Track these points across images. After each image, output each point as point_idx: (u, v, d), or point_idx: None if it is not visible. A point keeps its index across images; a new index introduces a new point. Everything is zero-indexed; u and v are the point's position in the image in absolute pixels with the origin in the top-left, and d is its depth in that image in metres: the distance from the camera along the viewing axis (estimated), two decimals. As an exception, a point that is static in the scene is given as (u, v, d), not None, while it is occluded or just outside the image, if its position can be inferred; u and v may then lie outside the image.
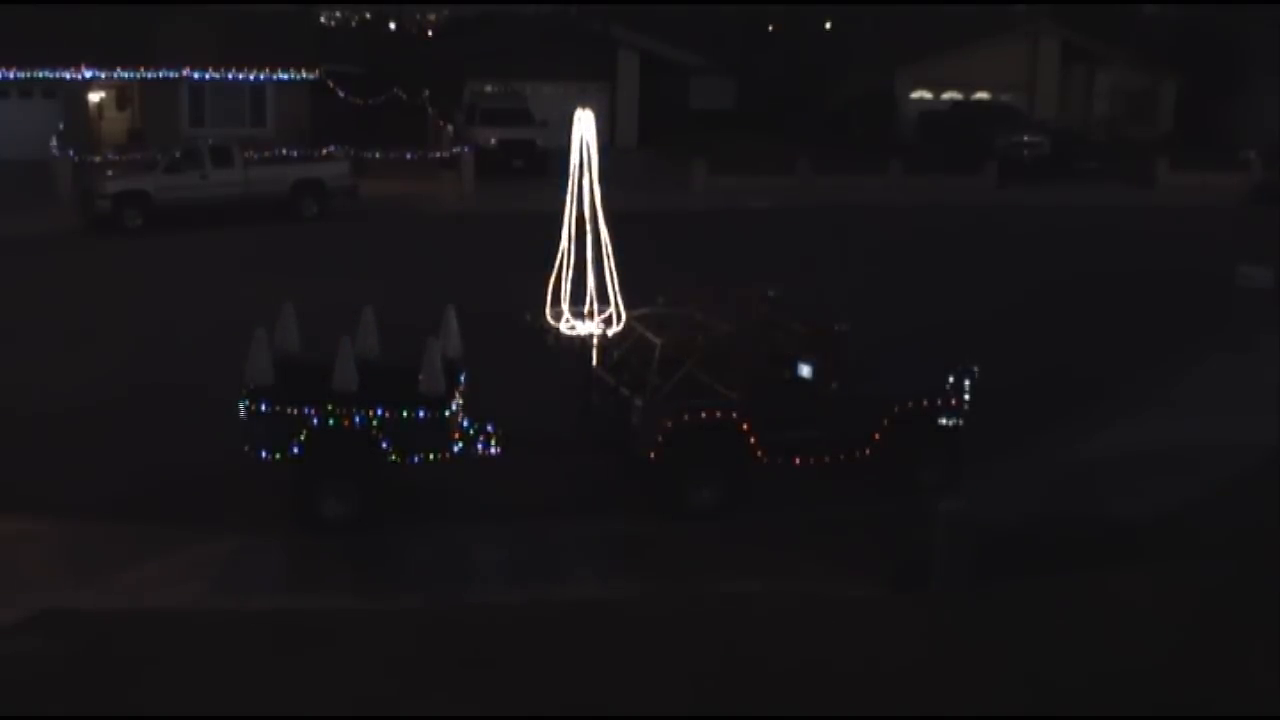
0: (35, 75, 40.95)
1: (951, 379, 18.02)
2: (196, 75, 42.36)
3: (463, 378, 17.37)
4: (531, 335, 17.82)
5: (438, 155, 42.64)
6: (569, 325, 17.39)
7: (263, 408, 16.11)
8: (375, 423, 16.24)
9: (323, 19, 61.81)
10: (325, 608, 14.54)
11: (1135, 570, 15.22)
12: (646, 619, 14.03)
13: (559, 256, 17.29)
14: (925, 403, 17.85)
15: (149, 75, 42.09)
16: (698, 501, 17.10)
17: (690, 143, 44.85)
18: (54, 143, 38.37)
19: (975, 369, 18.10)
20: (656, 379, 16.96)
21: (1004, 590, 14.59)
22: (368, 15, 73.28)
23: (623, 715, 11.86)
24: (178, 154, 34.83)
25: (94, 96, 43.56)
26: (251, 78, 43.02)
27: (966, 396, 18.06)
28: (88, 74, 41.21)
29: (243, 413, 16.20)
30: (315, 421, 16.16)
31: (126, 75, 42.38)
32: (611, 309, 17.33)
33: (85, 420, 19.69)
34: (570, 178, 17.07)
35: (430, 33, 68.70)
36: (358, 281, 25.35)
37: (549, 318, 17.46)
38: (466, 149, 41.30)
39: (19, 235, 31.77)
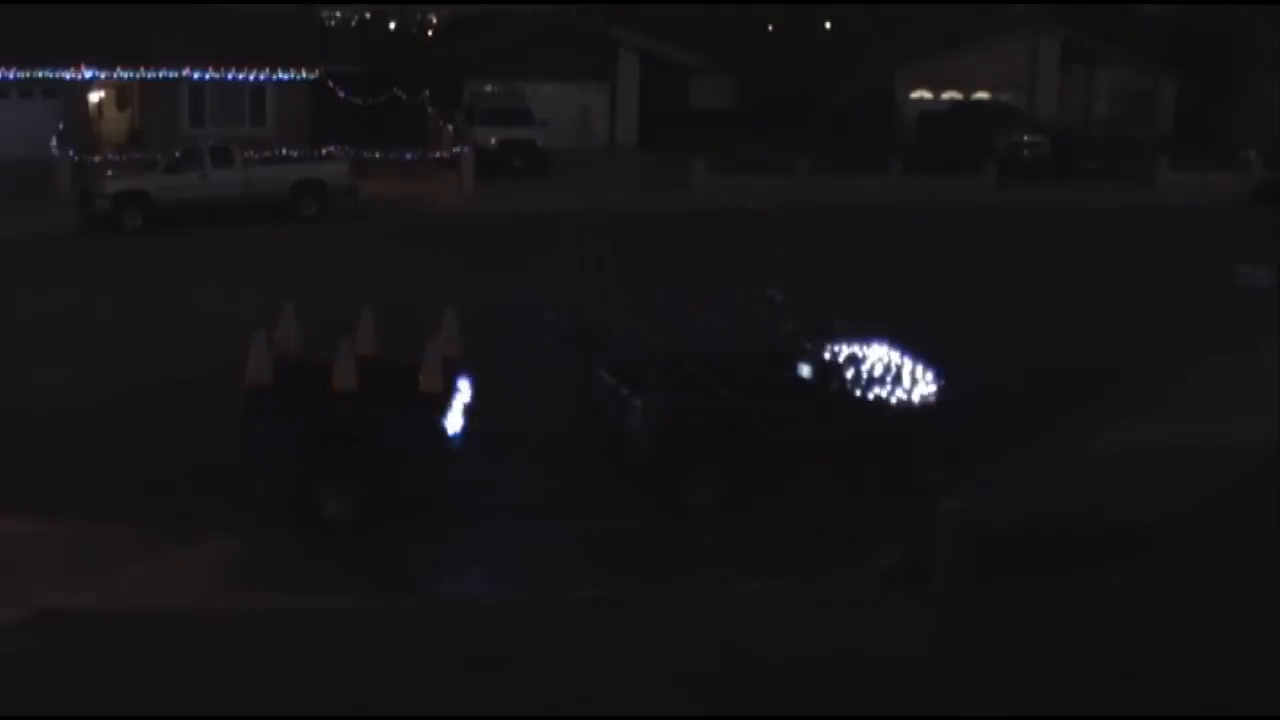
0: (35, 75, 40.91)
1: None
2: (196, 75, 42.33)
3: (463, 378, 17.36)
4: (532, 334, 17.83)
5: (438, 155, 42.64)
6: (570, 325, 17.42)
7: (263, 408, 16.11)
8: (375, 423, 16.22)
9: (323, 19, 61.73)
10: (325, 608, 14.54)
11: (1135, 570, 15.22)
12: (646, 619, 14.03)
13: (568, 255, 17.32)
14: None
15: (149, 75, 42.06)
16: (698, 501, 17.07)
17: (690, 143, 44.84)
18: (54, 143, 38.41)
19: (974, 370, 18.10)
20: (656, 379, 16.96)
21: (1004, 590, 14.58)
22: (368, 15, 73.21)
23: (623, 715, 11.86)
24: (178, 154, 34.83)
25: (94, 96, 43.56)
26: (251, 78, 43.00)
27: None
28: (88, 74, 41.19)
29: (243, 413, 16.19)
30: (315, 421, 16.15)
31: (126, 75, 42.36)
32: (611, 309, 17.33)
33: (85, 420, 19.69)
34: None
35: (430, 33, 68.66)
36: (358, 281, 25.34)
37: (557, 315, 17.49)
38: (466, 149, 41.31)
39: (19, 235, 31.78)
